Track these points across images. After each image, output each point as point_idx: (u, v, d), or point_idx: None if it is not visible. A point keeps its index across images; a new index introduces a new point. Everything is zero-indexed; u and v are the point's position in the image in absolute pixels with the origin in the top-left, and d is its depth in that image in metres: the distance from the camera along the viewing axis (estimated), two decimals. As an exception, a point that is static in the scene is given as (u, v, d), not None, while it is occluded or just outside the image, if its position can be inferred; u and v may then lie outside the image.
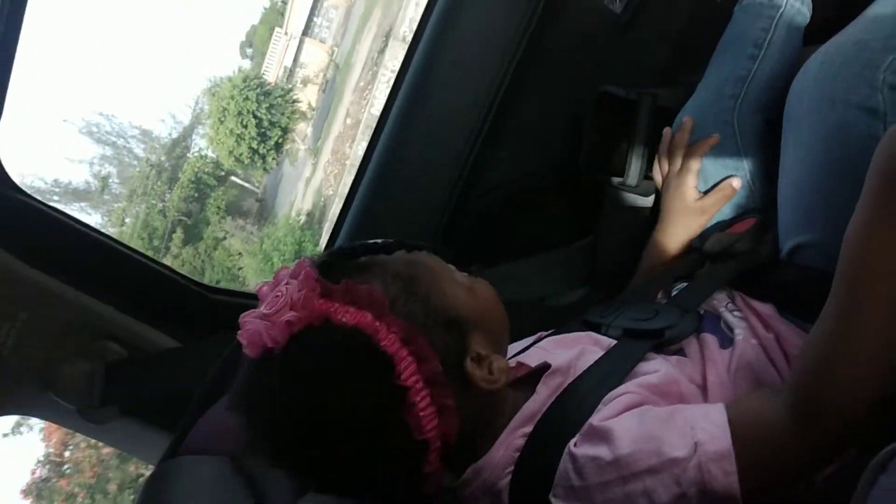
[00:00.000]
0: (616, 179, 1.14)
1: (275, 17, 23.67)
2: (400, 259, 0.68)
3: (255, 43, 25.59)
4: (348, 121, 16.50)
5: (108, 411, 1.07)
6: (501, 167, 1.25)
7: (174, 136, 24.07)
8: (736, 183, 0.95)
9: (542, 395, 0.68)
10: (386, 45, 15.05)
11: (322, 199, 17.03)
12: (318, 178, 17.62)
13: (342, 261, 0.67)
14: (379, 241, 0.69)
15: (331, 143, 17.32)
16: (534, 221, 1.28)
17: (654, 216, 1.04)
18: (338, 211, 1.28)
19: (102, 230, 1.17)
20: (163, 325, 1.13)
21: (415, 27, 1.22)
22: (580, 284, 1.22)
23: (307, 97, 19.80)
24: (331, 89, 19.18)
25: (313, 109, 19.76)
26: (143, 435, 1.09)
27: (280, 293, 0.61)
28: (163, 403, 1.07)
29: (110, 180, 24.85)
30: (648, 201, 1.16)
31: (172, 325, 1.14)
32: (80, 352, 1.07)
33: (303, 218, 17.31)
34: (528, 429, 0.65)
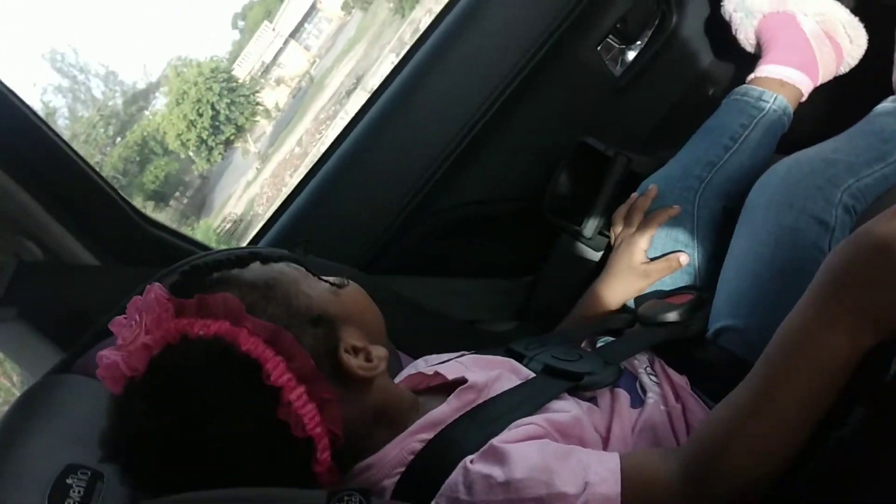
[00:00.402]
0: (573, 227, 1.17)
1: (274, 2, 23.50)
2: (255, 270, 0.67)
3: (248, 20, 25.35)
4: (297, 149, 16.45)
5: (6, 310, 1.02)
6: (466, 189, 1.26)
7: (140, 87, 23.45)
8: (684, 259, 0.98)
9: (452, 407, 0.68)
10: (354, 89, 15.15)
11: (250, 213, 16.88)
12: (255, 189, 17.47)
13: (195, 279, 0.66)
14: (233, 254, 0.69)
15: (275, 162, 17.22)
16: (482, 246, 1.30)
17: (598, 270, 1.07)
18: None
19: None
20: (89, 241, 1.09)
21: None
22: (513, 317, 1.23)
23: (277, 97, 19.69)
24: (300, 98, 19.12)
25: (279, 110, 19.64)
26: (35, 344, 1.04)
27: (133, 321, 0.60)
28: (65, 318, 1.02)
29: (57, 114, 23.99)
30: (596, 256, 1.19)
31: (98, 245, 1.10)
32: (-4, 241, 1.02)
33: (228, 225, 17.11)
34: (429, 435, 0.65)
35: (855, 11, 1.10)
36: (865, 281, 0.53)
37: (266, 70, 20.37)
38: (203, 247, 1.17)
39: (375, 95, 1.21)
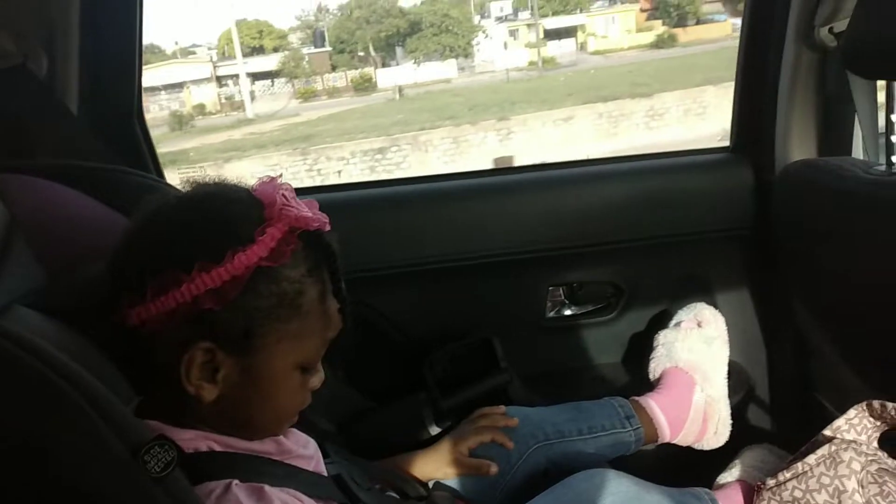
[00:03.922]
0: (437, 394, 1.27)
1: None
2: None
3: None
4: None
5: None
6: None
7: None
8: (493, 469, 1.06)
9: (251, 445, 0.74)
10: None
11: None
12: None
13: None
14: None
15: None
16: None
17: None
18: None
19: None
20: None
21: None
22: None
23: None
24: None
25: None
26: None
27: None
28: None
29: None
30: (433, 429, 1.28)
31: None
32: None
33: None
34: (218, 447, 0.70)
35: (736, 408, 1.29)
36: None
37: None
38: None
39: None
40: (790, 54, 1.31)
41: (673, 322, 1.38)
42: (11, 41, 1.01)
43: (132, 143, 1.27)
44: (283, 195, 0.69)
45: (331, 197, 1.41)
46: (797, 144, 1.35)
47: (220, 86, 22.97)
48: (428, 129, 15.33)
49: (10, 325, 0.56)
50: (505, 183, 1.47)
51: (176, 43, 28.78)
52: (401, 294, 1.40)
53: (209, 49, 27.00)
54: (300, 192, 0.75)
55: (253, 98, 22.30)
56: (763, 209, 1.40)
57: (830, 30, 1.24)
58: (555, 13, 25.46)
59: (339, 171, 13.89)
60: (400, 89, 20.93)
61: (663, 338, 1.34)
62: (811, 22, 1.27)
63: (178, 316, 0.65)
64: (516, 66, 22.41)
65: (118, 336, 0.68)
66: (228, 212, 0.69)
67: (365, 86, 22.50)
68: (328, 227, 0.71)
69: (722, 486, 1.17)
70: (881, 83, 1.20)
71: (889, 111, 1.18)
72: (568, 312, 1.52)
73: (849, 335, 1.21)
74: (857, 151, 1.35)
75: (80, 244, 0.83)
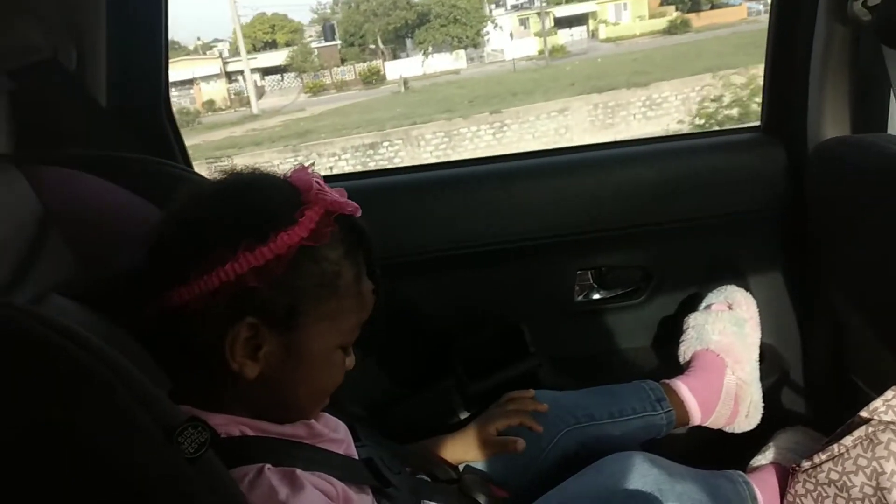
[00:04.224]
0: (464, 378, 1.27)
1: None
2: None
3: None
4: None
5: None
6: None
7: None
8: (520, 445, 1.04)
9: (282, 429, 0.75)
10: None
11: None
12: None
13: None
14: None
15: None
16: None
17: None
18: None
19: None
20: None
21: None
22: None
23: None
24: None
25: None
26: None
27: None
28: None
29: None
30: (463, 414, 1.29)
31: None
32: None
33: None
34: (250, 432, 0.72)
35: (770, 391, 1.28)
36: None
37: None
38: None
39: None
40: (822, 30, 1.28)
41: (703, 305, 1.36)
42: (41, 35, 1.03)
43: (161, 134, 1.29)
44: (316, 182, 0.72)
45: (357, 184, 1.42)
46: (830, 122, 1.32)
47: (231, 81, 23.14)
48: (419, 124, 15.17)
49: (45, 312, 0.57)
50: (532, 167, 1.45)
51: (198, 38, 29.02)
52: (429, 281, 1.40)
53: (225, 44, 27.18)
54: (327, 179, 0.76)
55: (263, 94, 22.45)
56: (796, 189, 1.37)
57: (864, 3, 1.21)
58: (568, 0, 25.24)
59: (331, 168, 13.77)
60: (405, 82, 20.82)
61: (693, 320, 1.33)
62: (844, -4, 1.24)
63: (221, 295, 0.67)
64: (526, 56, 22.25)
65: (157, 320, 0.70)
66: (269, 196, 0.72)
67: (373, 79, 22.48)
68: (360, 213, 0.74)
69: (756, 468, 1.16)
70: (918, 57, 1.17)
71: (926, 86, 1.15)
72: (597, 296, 1.51)
73: (886, 315, 1.18)
74: (893, 128, 1.32)
75: (113, 233, 0.84)
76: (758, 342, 1.31)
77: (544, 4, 23.67)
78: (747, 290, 1.36)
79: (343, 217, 0.72)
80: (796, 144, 1.37)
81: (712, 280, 1.41)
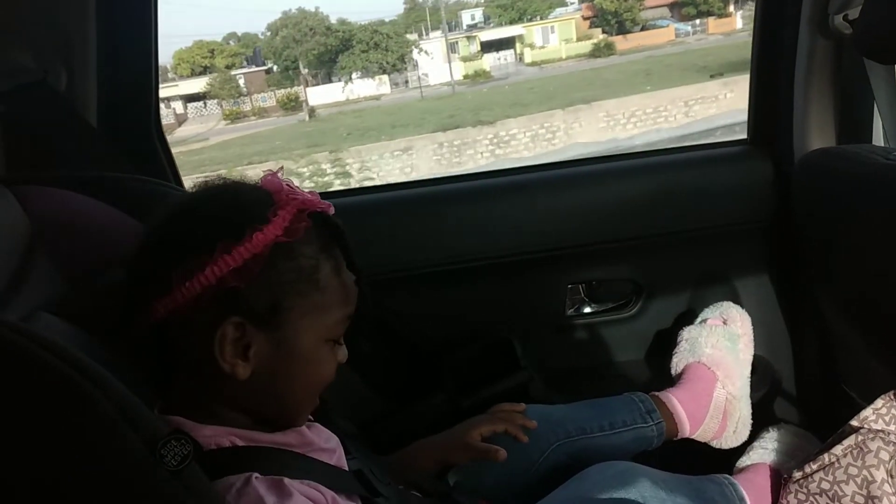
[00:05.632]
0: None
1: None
2: None
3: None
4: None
5: None
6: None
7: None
8: (501, 454, 1.03)
9: (272, 437, 0.75)
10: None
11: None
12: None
13: None
14: None
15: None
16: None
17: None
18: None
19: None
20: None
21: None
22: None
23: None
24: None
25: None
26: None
27: None
28: None
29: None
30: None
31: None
32: None
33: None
34: (240, 442, 0.72)
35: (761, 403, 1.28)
36: None
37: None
38: None
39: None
40: (805, 44, 1.30)
41: (699, 319, 1.37)
42: (31, 57, 1.04)
43: (151, 154, 1.30)
44: (287, 184, 0.74)
45: (347, 201, 1.43)
46: (816, 134, 1.33)
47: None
48: (286, 158, 15.13)
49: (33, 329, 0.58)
50: (521, 182, 1.47)
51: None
52: (419, 296, 1.41)
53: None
54: (322, 197, 0.78)
55: (183, 121, 22.18)
56: (783, 200, 1.38)
57: (845, 17, 1.23)
58: (511, 22, 25.41)
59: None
60: (312, 110, 20.84)
61: (688, 333, 1.33)
62: (825, 10, 1.26)
63: (204, 299, 0.68)
64: (454, 81, 22.37)
65: (143, 334, 0.70)
66: (242, 198, 0.74)
67: (292, 105, 22.40)
68: (333, 210, 0.76)
69: (741, 469, 1.17)
70: (899, 68, 1.18)
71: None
72: (588, 310, 1.52)
73: (874, 324, 1.19)
74: (878, 139, 1.33)
75: (101, 252, 0.85)
76: (750, 359, 1.31)
77: (461, 30, 23.95)
78: (737, 301, 1.37)
79: (316, 214, 0.74)
80: (782, 156, 1.39)
81: (702, 292, 1.42)
